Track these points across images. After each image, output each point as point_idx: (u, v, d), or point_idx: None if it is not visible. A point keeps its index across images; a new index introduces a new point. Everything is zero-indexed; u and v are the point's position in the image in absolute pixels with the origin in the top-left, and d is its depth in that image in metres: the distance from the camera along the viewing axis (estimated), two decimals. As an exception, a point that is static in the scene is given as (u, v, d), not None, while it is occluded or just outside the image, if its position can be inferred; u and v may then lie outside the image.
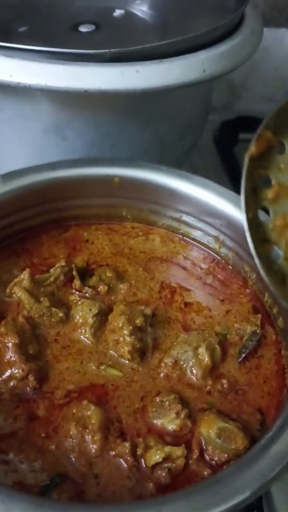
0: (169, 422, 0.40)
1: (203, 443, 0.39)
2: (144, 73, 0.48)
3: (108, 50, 0.47)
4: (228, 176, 0.82)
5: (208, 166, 0.86)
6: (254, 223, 0.39)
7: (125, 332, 0.43)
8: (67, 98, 0.51)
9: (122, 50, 0.48)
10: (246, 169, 0.38)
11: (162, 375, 0.43)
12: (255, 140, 0.38)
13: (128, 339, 0.43)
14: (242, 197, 0.38)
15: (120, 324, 0.44)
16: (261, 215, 0.40)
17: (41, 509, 0.29)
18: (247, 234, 0.38)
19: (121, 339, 0.44)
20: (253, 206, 0.39)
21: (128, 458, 0.37)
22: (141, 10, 0.66)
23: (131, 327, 0.44)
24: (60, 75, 0.47)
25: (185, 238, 0.55)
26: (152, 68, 0.48)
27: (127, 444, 0.38)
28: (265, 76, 1.02)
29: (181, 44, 0.51)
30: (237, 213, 0.49)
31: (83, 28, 0.61)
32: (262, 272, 0.38)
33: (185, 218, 0.54)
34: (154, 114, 0.56)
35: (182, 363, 0.43)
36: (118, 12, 0.65)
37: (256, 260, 0.38)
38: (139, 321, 0.44)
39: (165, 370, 0.43)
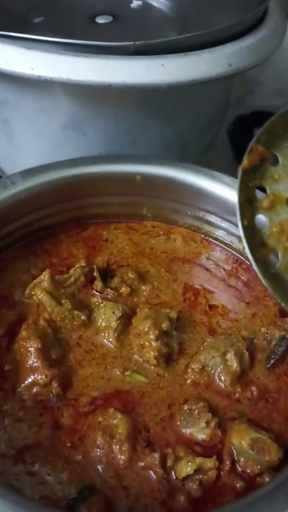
0: (199, 431, 0.38)
1: (235, 454, 0.37)
2: (169, 66, 0.46)
3: (132, 43, 0.45)
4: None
5: (222, 162, 0.85)
6: (250, 229, 0.40)
7: (151, 336, 0.42)
8: (88, 93, 0.49)
9: (148, 43, 0.46)
10: (240, 181, 0.40)
11: (189, 381, 0.42)
12: (247, 154, 0.40)
13: (154, 344, 0.42)
14: (238, 207, 0.40)
15: (146, 328, 0.42)
16: (260, 218, 0.41)
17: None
18: (244, 241, 0.40)
19: (147, 343, 0.42)
20: (249, 214, 0.40)
21: (158, 470, 0.36)
22: (159, 1, 0.65)
23: (157, 332, 0.42)
24: (83, 68, 0.45)
25: (207, 237, 0.53)
26: (178, 61, 0.46)
27: (156, 455, 0.36)
28: (278, 71, 1.00)
29: (207, 37, 0.49)
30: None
31: (100, 20, 0.59)
32: (260, 276, 0.40)
33: (208, 217, 0.52)
34: (176, 110, 0.54)
35: (209, 369, 0.42)
36: (135, 3, 0.63)
37: (254, 265, 0.40)
38: (165, 325, 0.43)
39: (192, 377, 0.42)
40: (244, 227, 0.40)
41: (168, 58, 0.46)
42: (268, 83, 0.99)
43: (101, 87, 0.45)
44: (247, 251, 0.40)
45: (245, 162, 0.40)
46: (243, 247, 0.50)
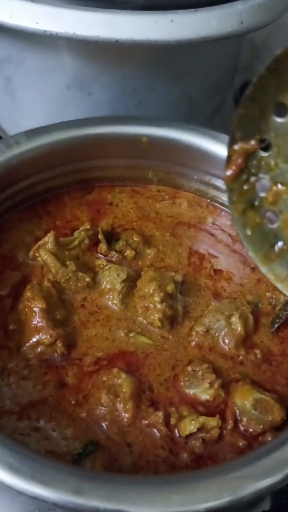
0: (202, 392, 0.39)
1: (238, 413, 0.38)
2: (179, 23, 0.44)
3: (141, -3, 0.44)
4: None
5: (227, 128, 0.83)
6: (259, 235, 0.37)
7: (156, 299, 0.42)
8: (94, 50, 0.48)
9: (156, -3, 0.44)
10: (229, 195, 0.36)
11: (193, 344, 0.42)
12: (226, 164, 0.36)
13: (159, 306, 0.42)
14: (235, 223, 0.36)
15: (151, 290, 0.42)
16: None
17: (84, 482, 0.27)
18: (251, 254, 0.37)
19: (151, 306, 0.42)
20: (252, 222, 0.37)
21: (161, 428, 0.36)
22: None
23: (162, 294, 0.42)
24: (90, 23, 0.43)
25: (213, 202, 0.53)
26: (188, 17, 0.45)
27: (160, 414, 0.37)
28: (287, 36, 0.97)
29: (218, -7, 0.47)
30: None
31: (108, -26, 0.57)
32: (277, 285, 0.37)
33: (215, 181, 0.51)
34: (184, 70, 0.52)
35: (214, 332, 0.42)
36: None
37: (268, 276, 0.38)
38: (170, 287, 0.43)
39: (196, 339, 0.42)
40: (247, 238, 0.36)
41: (177, 13, 0.45)
42: (276, 48, 0.97)
43: (108, 43, 0.44)
44: (257, 264, 0.37)
45: (227, 174, 0.36)
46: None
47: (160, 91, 0.53)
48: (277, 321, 0.43)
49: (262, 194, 0.37)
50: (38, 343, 0.39)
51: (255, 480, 0.29)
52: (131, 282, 0.44)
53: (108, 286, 0.44)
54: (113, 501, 0.27)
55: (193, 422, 0.36)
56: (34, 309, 0.40)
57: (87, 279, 0.44)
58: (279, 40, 0.96)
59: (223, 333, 0.42)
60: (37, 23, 0.43)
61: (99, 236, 0.47)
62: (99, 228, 0.48)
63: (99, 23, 0.43)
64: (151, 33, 0.44)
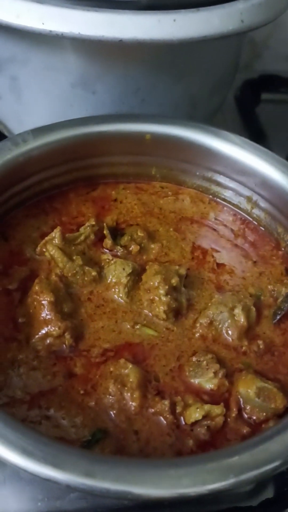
0: (207, 381, 0.40)
1: (241, 402, 0.39)
2: (181, 22, 0.45)
3: (144, -3, 0.45)
4: (250, 136, 0.80)
5: (229, 126, 0.84)
6: None
7: (161, 291, 0.43)
8: (98, 49, 0.49)
9: (159, -3, 0.45)
10: None
11: (197, 335, 0.43)
12: None
13: (164, 299, 0.43)
14: None
15: (156, 283, 0.43)
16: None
17: (94, 465, 0.28)
18: None
19: (157, 298, 0.43)
20: None
21: (168, 416, 0.37)
22: None
23: (167, 287, 0.43)
24: (94, 23, 0.44)
25: (215, 198, 0.54)
26: (190, 17, 0.46)
27: (166, 402, 0.38)
28: (287, 35, 0.98)
29: (219, -8, 0.48)
30: (274, 172, 0.48)
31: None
32: None
33: (217, 177, 0.52)
34: (186, 69, 0.53)
35: (217, 323, 0.43)
36: None
37: None
38: (174, 281, 0.44)
39: (200, 331, 0.43)
40: None
41: (179, 13, 0.46)
42: (276, 47, 0.98)
43: (112, 42, 0.45)
44: None
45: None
46: (251, 207, 0.51)
47: (162, 90, 0.54)
48: (279, 313, 0.45)
49: None
50: (47, 335, 0.41)
51: (259, 463, 0.30)
52: (136, 276, 0.45)
53: (114, 280, 0.45)
54: (122, 483, 0.28)
55: (198, 410, 0.37)
56: (43, 302, 0.41)
57: (94, 273, 0.45)
58: (279, 39, 0.97)
59: (226, 324, 0.43)
60: (43, 23, 0.44)
61: (105, 232, 0.48)
62: (104, 224, 0.49)
63: (103, 23, 0.44)
64: (154, 33, 0.45)
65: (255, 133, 0.79)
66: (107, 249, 0.48)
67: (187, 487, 0.29)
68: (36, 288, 0.42)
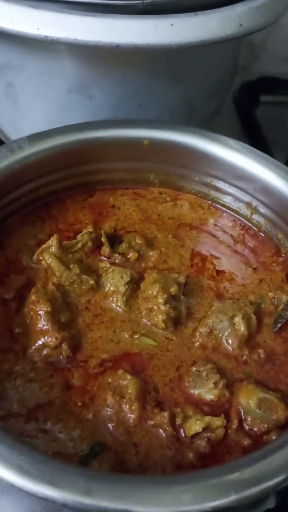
0: (207, 392, 0.39)
1: (242, 413, 0.38)
2: (179, 26, 0.45)
3: (141, 1, 0.44)
4: (248, 139, 0.79)
5: (227, 129, 0.83)
6: None
7: (160, 300, 0.42)
8: (95, 54, 0.48)
9: (156, 1, 0.45)
10: None
11: (197, 344, 0.42)
12: None
13: (163, 308, 0.42)
14: None
15: (155, 292, 0.42)
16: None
17: (92, 483, 0.28)
18: None
19: (155, 307, 0.42)
20: None
21: (167, 428, 0.37)
22: None
23: (165, 296, 0.42)
24: (90, 28, 0.44)
25: (214, 204, 0.53)
26: (187, 21, 0.45)
27: (165, 414, 0.37)
28: (285, 36, 0.98)
29: (217, -4, 0.47)
30: (273, 178, 0.47)
31: (107, -22, 0.57)
32: None
33: (216, 183, 0.52)
34: (184, 73, 0.53)
35: (217, 332, 0.42)
36: None
37: None
38: (173, 289, 0.43)
39: (200, 340, 0.42)
40: None
41: (177, 17, 0.45)
42: (275, 48, 0.97)
43: (109, 47, 0.44)
44: None
45: None
46: (251, 213, 0.51)
47: (160, 94, 0.53)
48: (280, 321, 0.44)
49: None
50: (43, 345, 0.40)
51: (261, 479, 0.30)
52: (134, 284, 0.44)
53: (112, 289, 0.44)
54: (121, 501, 0.28)
55: (198, 422, 0.37)
56: (39, 312, 0.41)
57: (91, 282, 0.44)
58: (278, 41, 0.97)
59: (226, 333, 0.42)
60: (38, 28, 0.44)
61: (102, 239, 0.47)
62: (102, 231, 0.48)
63: (99, 28, 0.44)
64: (151, 37, 0.44)
65: (254, 135, 0.79)
66: (105, 256, 0.47)
67: (187, 504, 0.28)
68: (33, 297, 0.41)
